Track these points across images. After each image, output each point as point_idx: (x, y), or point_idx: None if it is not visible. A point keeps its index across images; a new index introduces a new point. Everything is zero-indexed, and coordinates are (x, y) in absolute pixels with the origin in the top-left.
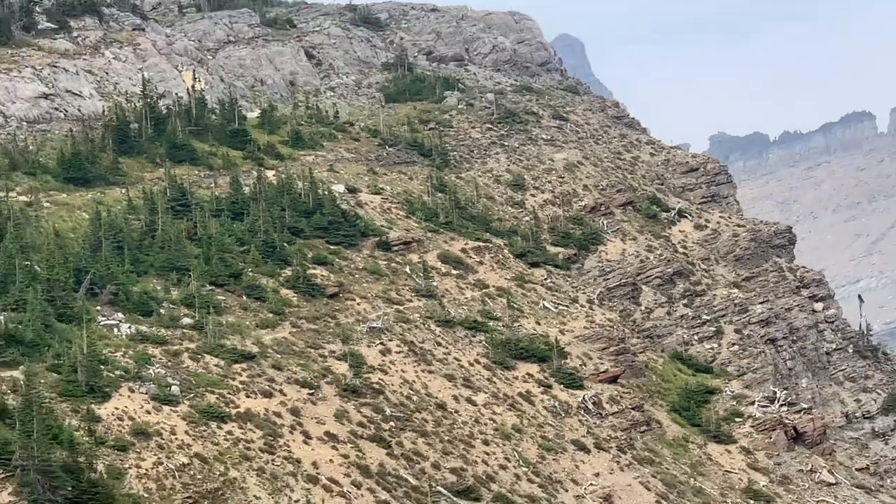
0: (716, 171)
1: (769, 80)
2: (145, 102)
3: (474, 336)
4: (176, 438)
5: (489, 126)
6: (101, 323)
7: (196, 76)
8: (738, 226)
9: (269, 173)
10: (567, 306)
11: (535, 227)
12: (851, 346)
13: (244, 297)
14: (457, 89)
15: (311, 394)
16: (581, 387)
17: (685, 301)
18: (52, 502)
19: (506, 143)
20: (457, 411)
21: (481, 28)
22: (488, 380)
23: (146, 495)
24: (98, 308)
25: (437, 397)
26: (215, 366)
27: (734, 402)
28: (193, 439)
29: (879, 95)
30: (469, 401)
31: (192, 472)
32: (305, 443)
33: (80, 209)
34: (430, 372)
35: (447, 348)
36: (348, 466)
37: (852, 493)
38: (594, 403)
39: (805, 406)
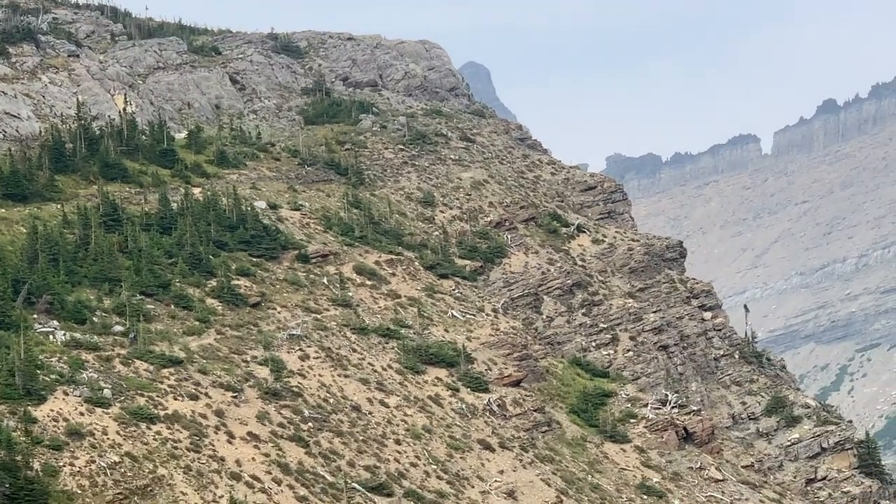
0: (612, 189)
1: (662, 104)
2: (80, 124)
3: (387, 343)
4: (108, 438)
5: (401, 147)
6: (38, 330)
7: (127, 100)
8: (633, 240)
9: (196, 190)
10: (474, 315)
11: (443, 241)
12: (738, 352)
13: (172, 306)
14: (371, 112)
15: (235, 396)
16: (486, 390)
17: (584, 310)
18: None
19: (417, 163)
20: (371, 413)
21: (394, 56)
22: (400, 383)
23: (79, 492)
24: (35, 316)
25: (352, 400)
26: (145, 370)
27: (629, 405)
28: (124, 439)
29: (764, 119)
30: (382, 403)
31: (122, 470)
32: (229, 442)
33: (17, 223)
34: (346, 376)
35: (362, 354)
36: (269, 464)
37: (738, 488)
38: (499, 406)
39: (694, 408)
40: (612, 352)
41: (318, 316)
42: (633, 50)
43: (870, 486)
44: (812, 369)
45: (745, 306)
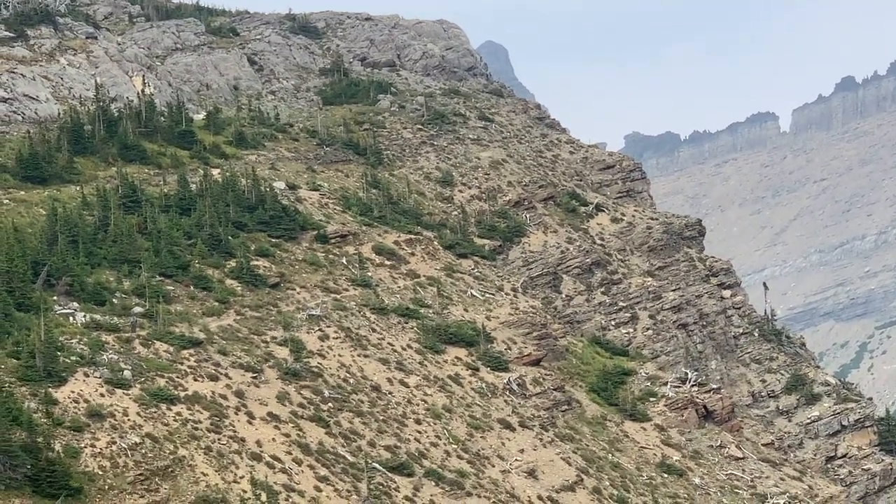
0: (631, 168)
1: (680, 83)
2: (98, 106)
3: (407, 322)
4: (128, 419)
5: (420, 127)
6: (58, 312)
7: (145, 81)
8: (652, 219)
9: (215, 171)
10: (493, 294)
11: (462, 220)
12: (757, 330)
13: (191, 287)
14: (389, 93)
15: (255, 377)
16: (506, 369)
17: (603, 289)
18: (13, 480)
19: (435, 143)
20: (391, 393)
21: (412, 36)
22: (420, 363)
23: (101, 473)
24: (55, 298)
25: (372, 380)
26: (165, 351)
27: (648, 383)
28: (145, 420)
29: (782, 97)
30: (402, 383)
31: (143, 451)
32: (249, 423)
33: (37, 206)
34: (366, 356)
35: (381, 334)
36: (290, 445)
37: (758, 466)
38: (518, 385)
39: (714, 386)
40: (631, 330)
41: (338, 296)
42: (651, 28)
43: (890, 464)
44: (832, 347)
45: (765, 284)
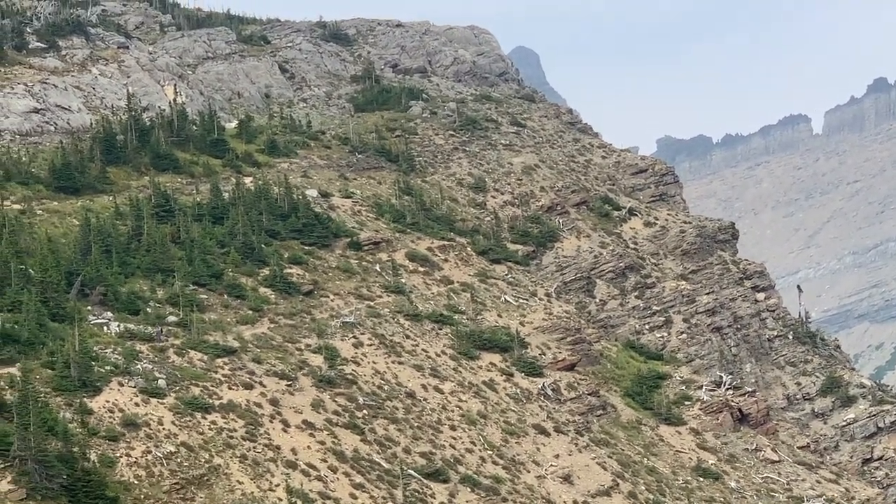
0: (663, 171)
1: (712, 85)
2: (130, 115)
3: (441, 329)
4: (163, 428)
5: (452, 133)
6: (92, 322)
7: (177, 90)
8: (685, 222)
9: (247, 180)
10: (527, 300)
11: (495, 226)
12: (791, 332)
13: (225, 296)
14: (421, 99)
15: (289, 385)
16: (541, 374)
17: (636, 293)
18: (49, 490)
19: (467, 149)
20: (425, 399)
21: (443, 42)
22: (454, 369)
23: (136, 482)
24: (89, 308)
25: (406, 386)
26: (199, 360)
27: (683, 387)
28: (180, 429)
29: (814, 99)
30: (437, 389)
31: (178, 460)
32: (284, 431)
33: (70, 216)
34: (400, 363)
35: (415, 340)
36: (325, 452)
37: (794, 469)
38: (553, 390)
39: (749, 389)
40: (665, 334)
41: (371, 303)
42: (683, 31)
43: None
44: (866, 349)
45: (799, 287)
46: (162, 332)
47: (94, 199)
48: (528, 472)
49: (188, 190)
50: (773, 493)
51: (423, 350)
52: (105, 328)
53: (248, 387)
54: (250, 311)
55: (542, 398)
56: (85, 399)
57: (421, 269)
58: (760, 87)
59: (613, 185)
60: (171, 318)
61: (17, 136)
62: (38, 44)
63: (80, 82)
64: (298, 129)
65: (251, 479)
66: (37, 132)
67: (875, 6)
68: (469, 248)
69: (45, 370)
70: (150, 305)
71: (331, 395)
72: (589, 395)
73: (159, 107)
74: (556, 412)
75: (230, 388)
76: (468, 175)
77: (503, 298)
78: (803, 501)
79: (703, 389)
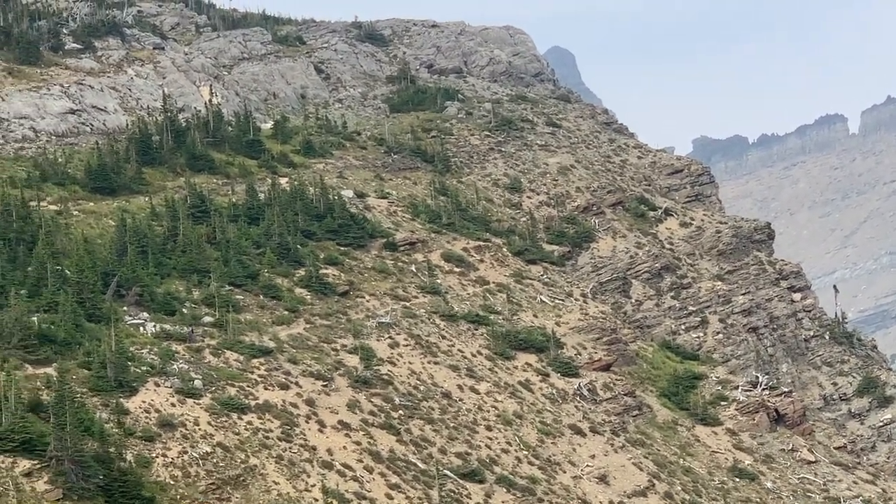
0: (699, 172)
1: (748, 85)
2: (166, 116)
3: (476, 329)
4: (199, 429)
5: (487, 133)
6: (128, 322)
7: (213, 91)
8: (721, 223)
9: (283, 180)
10: (562, 300)
11: (531, 226)
12: (828, 333)
13: (261, 297)
14: (456, 99)
15: (325, 385)
16: (577, 375)
17: (672, 293)
18: (85, 490)
19: (503, 149)
20: (461, 399)
21: (479, 42)
22: (490, 369)
23: (172, 482)
24: (125, 308)
25: (442, 387)
26: (235, 360)
27: (719, 387)
28: (216, 429)
29: (851, 99)
30: (472, 389)
31: (214, 460)
32: (320, 431)
33: (106, 217)
34: (436, 363)
35: (451, 341)
36: (361, 452)
37: (831, 469)
38: (589, 390)
39: (785, 390)
40: (701, 334)
41: (407, 303)
42: (718, 31)
43: None
44: None
45: (835, 287)
46: (194, 331)
47: (129, 199)
48: (564, 472)
49: (224, 190)
50: (809, 494)
51: (458, 350)
52: (141, 329)
53: (284, 387)
54: (286, 312)
55: (577, 398)
56: (121, 399)
57: (456, 269)
58: (796, 87)
59: (649, 185)
60: (207, 319)
61: (54, 137)
62: (75, 45)
63: (116, 83)
64: (334, 129)
65: (287, 480)
66: (73, 133)
67: None
68: (505, 249)
69: (82, 370)
70: (185, 306)
71: (367, 396)
72: (625, 395)
73: (195, 108)
74: (592, 412)
75: (266, 389)
76: (504, 175)
77: (539, 299)
78: (840, 502)
79: (740, 390)
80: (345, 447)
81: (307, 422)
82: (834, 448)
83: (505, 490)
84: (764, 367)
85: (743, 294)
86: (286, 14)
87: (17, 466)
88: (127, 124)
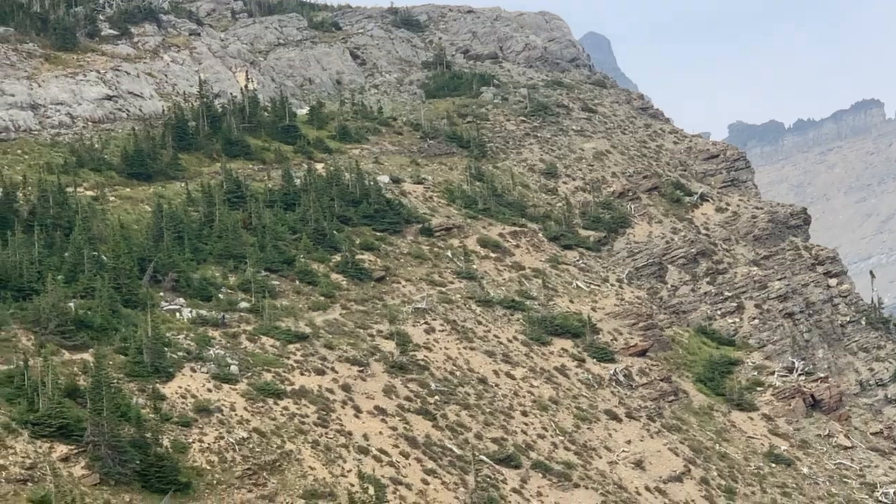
0: (735, 157)
1: (784, 71)
2: (202, 102)
3: (512, 314)
4: (235, 414)
5: (523, 119)
6: (164, 308)
7: (249, 77)
8: (757, 208)
9: (319, 166)
10: (598, 285)
11: (567, 212)
12: (864, 318)
13: (297, 282)
14: (492, 85)
15: (361, 371)
16: (612, 360)
17: (708, 279)
18: (122, 475)
19: (539, 135)
20: (497, 385)
21: (514, 28)
22: (526, 355)
23: (209, 468)
24: (161, 294)
25: (478, 372)
26: (271, 346)
27: (755, 373)
28: (252, 415)
29: (887, 83)
30: (508, 375)
31: (251, 446)
32: (356, 416)
33: (142, 202)
34: (472, 349)
35: (487, 326)
36: (397, 438)
37: (867, 455)
38: (625, 375)
39: (822, 375)
40: (737, 320)
41: (443, 289)
42: (753, 17)
43: None
44: None
45: (871, 272)
46: (225, 317)
47: (166, 185)
48: (600, 457)
49: (260, 176)
50: (845, 480)
51: (494, 336)
52: (177, 314)
53: (320, 373)
54: (322, 298)
55: (613, 384)
56: (157, 385)
57: (492, 254)
58: (833, 72)
59: (685, 170)
60: (243, 305)
61: (90, 123)
62: (111, 31)
63: (152, 69)
64: (370, 115)
65: (323, 465)
66: (109, 119)
67: None
68: (540, 234)
69: (118, 356)
70: (221, 292)
71: (402, 381)
72: (661, 380)
73: (231, 93)
74: (628, 398)
75: (302, 374)
76: (539, 161)
77: (575, 284)
78: (876, 488)
79: (776, 375)
80: (381, 432)
81: (343, 407)
82: (870, 434)
83: (541, 475)
84: (800, 353)
85: (779, 279)
86: (322, 0)
87: (55, 451)
88: (163, 110)
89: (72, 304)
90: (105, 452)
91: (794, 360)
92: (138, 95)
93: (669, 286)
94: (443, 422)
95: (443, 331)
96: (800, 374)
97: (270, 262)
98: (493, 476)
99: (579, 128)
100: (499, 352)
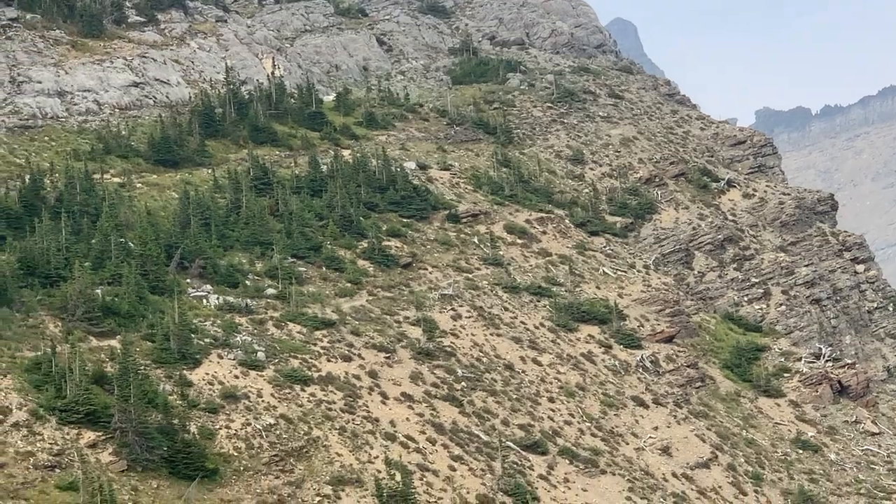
0: (762, 143)
1: (811, 57)
2: (228, 89)
3: (539, 301)
4: (262, 401)
5: (549, 105)
6: (191, 294)
7: (275, 63)
8: (784, 194)
9: (345, 152)
10: (625, 272)
11: (593, 198)
12: (892, 304)
13: (324, 269)
14: (519, 71)
15: (388, 357)
16: (639, 346)
17: (735, 265)
18: (149, 461)
19: (565, 121)
20: (524, 371)
21: (541, 14)
22: (552, 341)
23: (236, 454)
24: (188, 281)
25: (505, 359)
26: (298, 332)
27: (782, 359)
28: (279, 401)
29: None
30: (535, 361)
31: (278, 432)
32: (383, 403)
33: (169, 189)
34: (499, 335)
35: (514, 313)
36: (423, 424)
37: (895, 441)
38: (652, 362)
39: (849, 361)
40: (764, 306)
41: (470, 275)
42: (781, 2)
43: None
44: None
45: None
46: (248, 306)
47: (192, 172)
48: (627, 444)
49: (286, 163)
50: (873, 466)
51: (521, 322)
52: (204, 301)
53: (347, 359)
54: (349, 284)
55: (640, 370)
56: (184, 371)
57: (519, 241)
58: (860, 58)
59: (712, 156)
60: (270, 291)
61: (117, 110)
62: (137, 18)
63: (179, 56)
64: (396, 101)
65: (350, 451)
66: (136, 106)
67: None
68: (567, 220)
69: (145, 343)
70: (248, 278)
71: (429, 368)
72: (687, 367)
73: (257, 80)
74: (655, 384)
75: (329, 361)
76: (566, 147)
77: (601, 270)
78: None
79: (803, 361)
80: (407, 419)
81: (370, 393)
82: None
83: (567, 462)
84: (827, 339)
85: (806, 265)
86: None
87: (82, 438)
88: (190, 97)
89: (99, 291)
90: (132, 439)
91: (822, 347)
92: (165, 82)
93: (696, 272)
94: (469, 408)
95: (469, 317)
96: (827, 361)
97: (297, 249)
98: (519, 462)
99: (606, 114)
100: (525, 338)
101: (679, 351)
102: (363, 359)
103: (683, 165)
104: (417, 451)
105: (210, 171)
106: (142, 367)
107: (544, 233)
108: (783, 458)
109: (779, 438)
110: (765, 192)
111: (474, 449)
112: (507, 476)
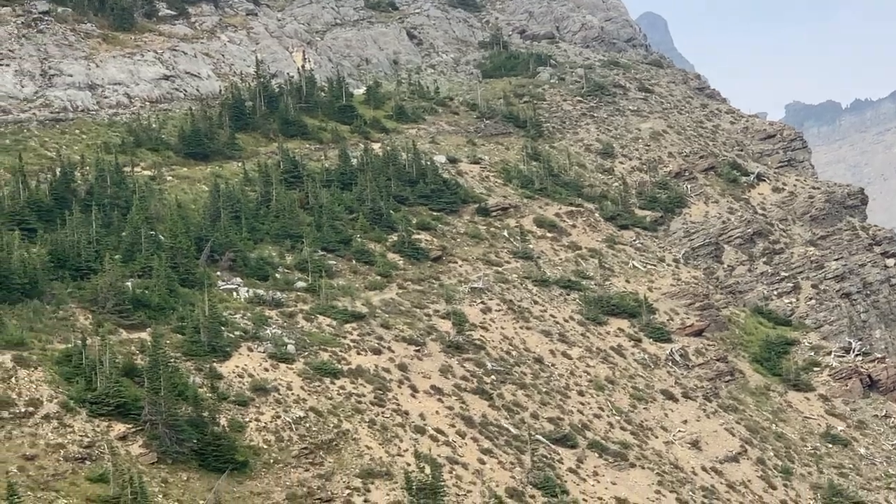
0: (791, 137)
1: (841, 50)
2: (259, 82)
3: (569, 294)
4: (292, 394)
5: (579, 99)
6: (221, 287)
7: (306, 57)
8: (814, 188)
9: (375, 146)
10: (654, 265)
11: (623, 192)
12: None
13: (354, 262)
14: (549, 65)
15: (418, 350)
16: (669, 340)
17: (765, 259)
18: (179, 454)
19: (595, 115)
20: (553, 365)
21: (571, 8)
22: (582, 335)
23: (265, 447)
24: (218, 273)
25: (534, 352)
26: (328, 325)
27: (812, 353)
28: (308, 394)
29: None
30: (565, 355)
31: (307, 425)
32: (413, 396)
33: (199, 182)
34: (528, 328)
35: (543, 306)
36: (453, 417)
37: None
38: (681, 355)
39: (879, 355)
40: (794, 300)
41: (500, 269)
42: None
43: None
44: None
45: None
46: (273, 299)
47: (223, 164)
48: (656, 437)
49: (316, 156)
50: None
51: (550, 316)
52: (234, 294)
53: (377, 352)
54: (379, 277)
55: (670, 364)
56: (214, 364)
57: (549, 234)
58: (891, 51)
59: (741, 150)
60: (300, 284)
61: (148, 103)
62: (168, 11)
63: (210, 49)
64: (426, 95)
65: (379, 444)
66: (167, 99)
67: None
68: (597, 214)
69: (176, 335)
70: (278, 271)
71: (459, 361)
72: (717, 360)
73: (288, 73)
74: (684, 378)
75: (359, 354)
76: (596, 141)
77: (631, 264)
78: None
79: (832, 355)
80: (437, 412)
81: (400, 387)
82: None
83: (597, 455)
84: (857, 333)
85: (836, 259)
86: None
87: (112, 430)
88: (220, 90)
89: (129, 284)
90: (162, 431)
91: (851, 341)
92: (195, 75)
93: (726, 266)
94: (499, 401)
95: (499, 310)
96: (857, 355)
97: (327, 242)
98: (549, 456)
99: (636, 108)
100: (555, 331)
101: (708, 345)
102: (393, 352)
103: (713, 159)
104: (447, 445)
105: (240, 164)
106: (172, 360)
107: (574, 226)
108: (812, 452)
109: (808, 432)
110: (794, 186)
111: (504, 442)
112: (536, 469)
